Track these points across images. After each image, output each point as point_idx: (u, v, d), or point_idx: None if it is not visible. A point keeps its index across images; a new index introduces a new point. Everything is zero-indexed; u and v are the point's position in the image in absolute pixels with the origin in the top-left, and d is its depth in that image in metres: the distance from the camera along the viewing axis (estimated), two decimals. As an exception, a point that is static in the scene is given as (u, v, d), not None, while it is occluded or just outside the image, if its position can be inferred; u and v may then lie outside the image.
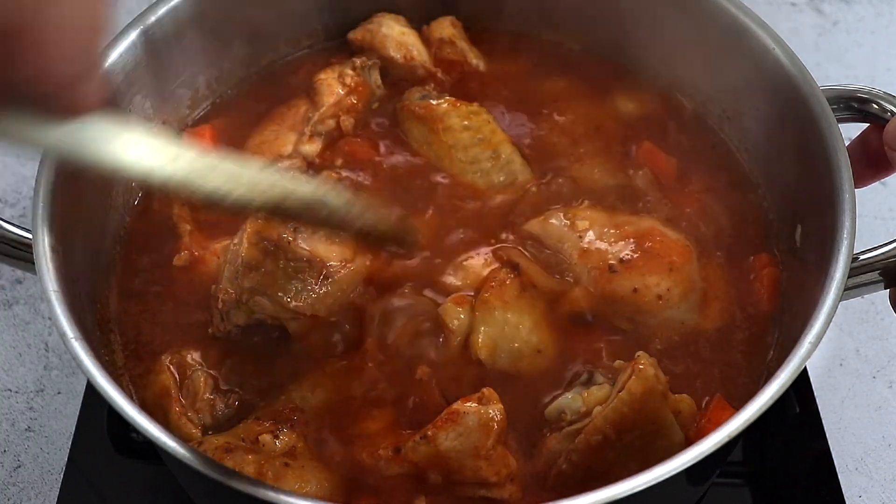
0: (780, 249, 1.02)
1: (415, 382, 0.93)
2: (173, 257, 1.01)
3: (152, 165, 0.66)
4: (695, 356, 0.96)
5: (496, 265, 0.98)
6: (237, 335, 0.95)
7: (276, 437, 0.87)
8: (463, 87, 1.16)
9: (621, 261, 0.96)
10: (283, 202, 0.77)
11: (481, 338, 0.93)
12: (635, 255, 0.96)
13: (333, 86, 1.12)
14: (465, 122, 1.06)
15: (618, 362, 0.90)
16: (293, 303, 0.92)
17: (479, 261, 0.99)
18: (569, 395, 0.90)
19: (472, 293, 0.96)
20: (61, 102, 0.60)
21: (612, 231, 0.98)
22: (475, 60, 1.18)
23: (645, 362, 0.87)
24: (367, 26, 1.18)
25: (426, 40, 1.18)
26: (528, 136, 1.11)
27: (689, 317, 0.97)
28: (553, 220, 1.01)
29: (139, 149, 0.65)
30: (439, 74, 1.16)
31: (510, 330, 0.93)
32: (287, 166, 1.05)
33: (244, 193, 0.74)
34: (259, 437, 0.87)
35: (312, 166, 1.08)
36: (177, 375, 0.94)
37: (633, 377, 0.85)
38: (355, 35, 1.18)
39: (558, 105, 1.15)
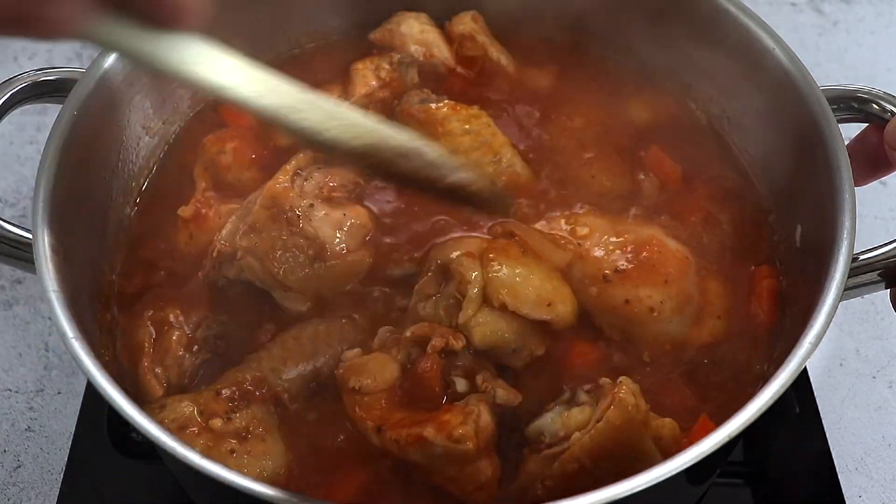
0: (780, 257, 1.02)
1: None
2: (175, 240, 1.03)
3: (250, 93, 0.65)
4: (687, 368, 0.95)
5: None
6: (225, 286, 0.97)
7: (230, 419, 0.89)
8: (473, 87, 1.16)
9: (616, 270, 0.94)
10: (377, 147, 0.76)
11: (501, 286, 0.90)
12: (630, 266, 0.94)
13: (368, 77, 1.12)
14: (466, 126, 1.05)
15: (602, 380, 0.89)
16: (280, 273, 0.94)
17: (475, 239, 0.97)
18: (549, 415, 0.89)
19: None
20: (162, 8, 0.53)
21: (611, 239, 0.97)
22: (496, 55, 1.17)
23: (626, 390, 0.85)
24: (387, 26, 1.18)
25: (448, 36, 1.17)
26: (535, 139, 1.11)
27: (682, 330, 0.96)
28: (553, 226, 1.00)
29: (239, 75, 0.63)
30: (459, 70, 1.16)
31: (522, 280, 0.92)
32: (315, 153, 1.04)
33: (340, 133, 0.73)
34: (209, 422, 0.88)
35: None
36: (153, 332, 0.95)
37: (613, 407, 0.84)
38: (376, 35, 1.18)
39: (569, 108, 1.14)
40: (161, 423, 0.86)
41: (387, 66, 1.13)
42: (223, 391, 0.90)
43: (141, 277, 1.02)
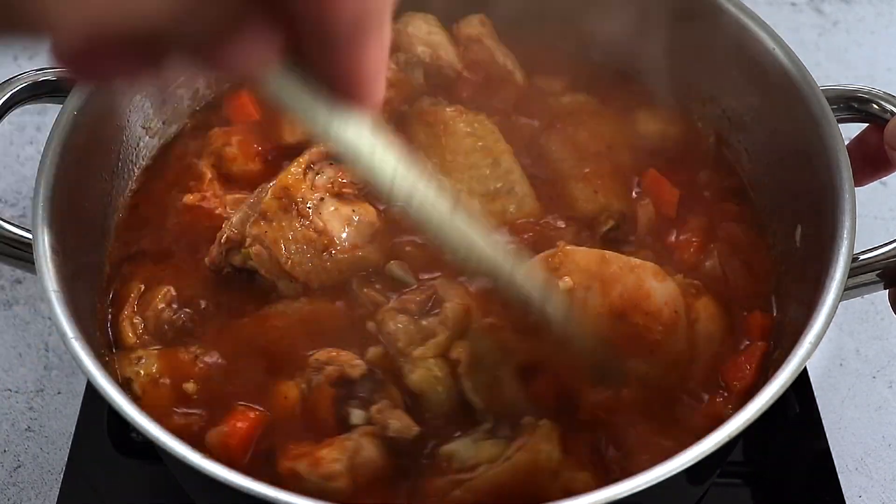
0: (780, 257, 1.00)
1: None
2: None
3: (401, 187, 0.68)
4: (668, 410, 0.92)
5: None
6: (229, 273, 0.98)
7: (202, 384, 0.91)
8: (480, 92, 1.15)
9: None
10: (498, 281, 0.81)
11: (468, 349, 0.90)
12: (616, 332, 0.91)
13: None
14: (469, 129, 1.06)
15: (526, 419, 0.86)
16: (288, 264, 0.95)
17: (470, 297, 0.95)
18: (464, 441, 0.86)
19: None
20: (349, 88, 0.52)
21: (596, 292, 0.92)
22: (503, 59, 1.16)
23: (541, 435, 0.83)
24: (394, 26, 1.17)
25: (455, 38, 1.17)
26: (537, 149, 1.10)
27: (668, 379, 0.93)
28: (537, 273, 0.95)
29: (390, 167, 0.66)
30: (465, 74, 1.15)
31: (489, 357, 0.91)
32: (329, 148, 1.03)
33: (468, 255, 0.78)
34: (183, 385, 0.91)
35: None
36: (143, 287, 0.99)
37: (522, 450, 0.82)
38: None
39: (573, 118, 1.12)
40: (135, 375, 0.91)
41: (393, 67, 1.13)
42: (202, 356, 0.93)
43: (141, 276, 1.02)
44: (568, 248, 0.96)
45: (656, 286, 0.93)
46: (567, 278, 0.93)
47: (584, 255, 0.95)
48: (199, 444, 0.87)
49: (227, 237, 0.97)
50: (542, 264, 0.95)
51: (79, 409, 1.11)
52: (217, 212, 1.03)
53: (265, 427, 0.89)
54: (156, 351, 0.93)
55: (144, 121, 1.08)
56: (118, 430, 1.09)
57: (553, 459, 0.83)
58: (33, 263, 0.86)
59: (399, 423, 0.86)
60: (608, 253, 0.95)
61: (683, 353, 0.93)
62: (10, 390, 1.17)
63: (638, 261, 0.94)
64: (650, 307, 0.92)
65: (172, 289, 0.98)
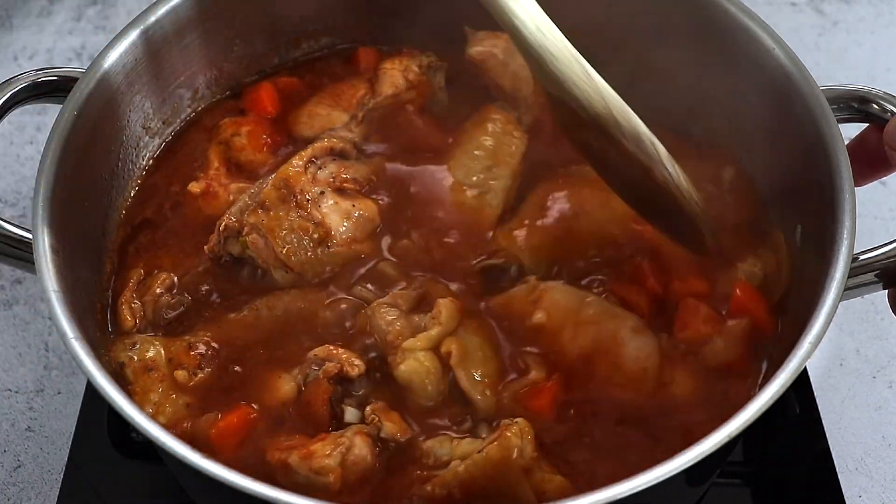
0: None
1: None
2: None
3: (534, 33, 0.87)
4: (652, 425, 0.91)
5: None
6: (227, 263, 0.99)
7: (195, 374, 0.92)
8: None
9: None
10: (614, 118, 0.89)
11: (460, 344, 0.91)
12: (578, 376, 0.91)
13: (396, 77, 1.13)
14: (493, 128, 1.07)
15: (504, 421, 0.87)
16: (283, 253, 0.96)
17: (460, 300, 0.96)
18: (441, 438, 0.88)
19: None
20: None
21: (567, 333, 0.93)
22: None
23: (516, 431, 0.83)
24: (485, 49, 1.11)
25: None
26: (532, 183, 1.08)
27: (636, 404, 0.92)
28: (514, 301, 0.96)
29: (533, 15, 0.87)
30: (539, 113, 1.10)
31: (481, 357, 0.92)
32: (333, 144, 1.05)
33: (589, 94, 0.88)
34: (175, 373, 0.91)
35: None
36: (143, 273, 1.00)
37: (496, 443, 0.83)
38: (475, 53, 1.12)
39: (579, 180, 1.07)
40: (128, 360, 0.91)
41: (416, 69, 1.14)
42: (197, 345, 0.94)
43: (142, 263, 1.02)
44: (550, 283, 0.96)
45: (631, 338, 0.92)
46: (541, 313, 0.94)
47: (564, 294, 0.95)
48: (187, 434, 0.89)
49: (225, 225, 0.98)
50: (520, 297, 0.96)
51: (79, 409, 1.11)
52: (221, 200, 1.04)
53: (254, 418, 0.90)
54: (150, 337, 0.94)
55: (144, 121, 1.08)
56: (118, 430, 1.09)
57: (525, 455, 0.83)
58: (33, 263, 0.86)
59: (392, 426, 0.87)
60: (591, 296, 0.95)
61: (643, 406, 0.91)
62: (10, 390, 1.17)
63: (620, 310, 0.94)
64: (617, 357, 0.91)
65: (173, 275, 0.99)
